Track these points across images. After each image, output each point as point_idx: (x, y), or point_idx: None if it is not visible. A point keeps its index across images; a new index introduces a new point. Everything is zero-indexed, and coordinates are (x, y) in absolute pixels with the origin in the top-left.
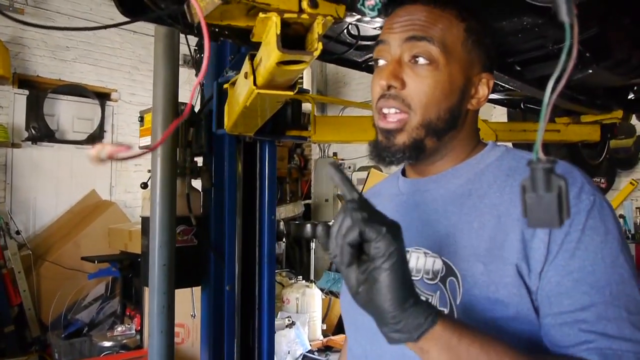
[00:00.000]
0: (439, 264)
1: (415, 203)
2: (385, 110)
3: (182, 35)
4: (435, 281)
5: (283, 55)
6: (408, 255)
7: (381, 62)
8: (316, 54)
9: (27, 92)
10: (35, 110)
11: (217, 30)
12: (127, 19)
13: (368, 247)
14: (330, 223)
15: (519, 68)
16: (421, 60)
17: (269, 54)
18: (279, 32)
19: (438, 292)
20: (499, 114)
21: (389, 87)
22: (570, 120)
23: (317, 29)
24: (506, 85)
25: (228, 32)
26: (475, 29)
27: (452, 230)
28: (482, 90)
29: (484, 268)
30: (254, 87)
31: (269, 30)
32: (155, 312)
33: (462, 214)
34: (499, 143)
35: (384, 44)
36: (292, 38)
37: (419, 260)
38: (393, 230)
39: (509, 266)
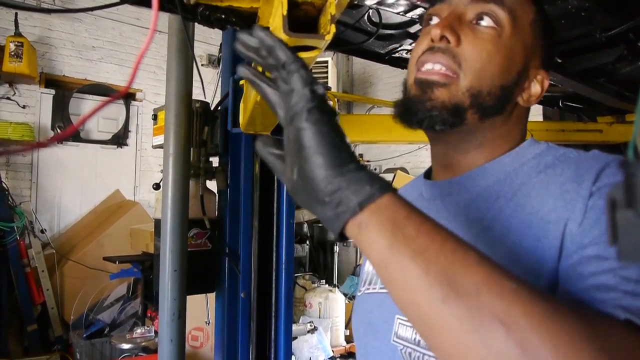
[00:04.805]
0: None
1: (436, 210)
2: (428, 66)
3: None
4: None
5: (291, 40)
6: None
7: (434, 21)
8: (328, 38)
9: (53, 91)
10: (61, 109)
11: (222, 16)
12: (131, 7)
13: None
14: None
15: (559, 60)
16: (485, 22)
17: None
18: (285, 12)
19: None
20: (531, 115)
21: (442, 38)
22: (614, 120)
23: (330, 9)
24: None
25: (235, 18)
26: (544, 18)
27: (473, 243)
28: (535, 88)
29: None
30: None
31: (275, 11)
32: (166, 320)
33: (485, 220)
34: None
35: (442, 2)
36: (302, 22)
37: None
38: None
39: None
